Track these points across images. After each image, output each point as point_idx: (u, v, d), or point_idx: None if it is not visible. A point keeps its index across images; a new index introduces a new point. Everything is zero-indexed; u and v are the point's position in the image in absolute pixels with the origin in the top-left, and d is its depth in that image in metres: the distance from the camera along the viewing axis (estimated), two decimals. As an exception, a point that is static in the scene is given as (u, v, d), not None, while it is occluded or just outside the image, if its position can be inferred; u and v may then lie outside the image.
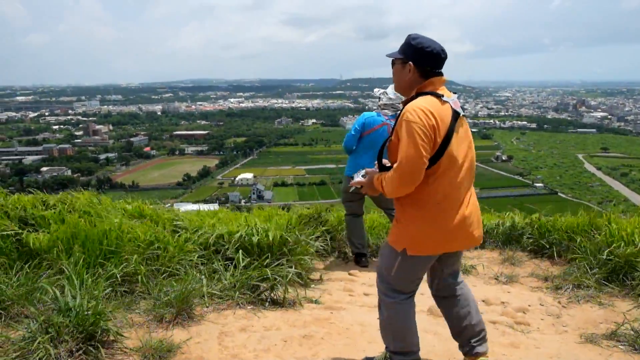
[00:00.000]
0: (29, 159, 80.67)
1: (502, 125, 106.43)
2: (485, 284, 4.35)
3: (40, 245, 3.52)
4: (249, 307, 3.32)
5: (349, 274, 4.57)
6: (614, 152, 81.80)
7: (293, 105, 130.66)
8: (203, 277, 3.45)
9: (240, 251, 3.80)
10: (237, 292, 3.37)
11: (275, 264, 3.64)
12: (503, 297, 4.00)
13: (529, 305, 3.84)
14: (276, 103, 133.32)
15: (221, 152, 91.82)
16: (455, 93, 2.36)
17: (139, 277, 3.29)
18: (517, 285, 4.31)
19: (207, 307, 3.24)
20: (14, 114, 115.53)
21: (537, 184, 66.56)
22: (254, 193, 65.06)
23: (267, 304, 3.42)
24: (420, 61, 2.28)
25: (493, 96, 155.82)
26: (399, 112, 4.46)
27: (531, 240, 5.08)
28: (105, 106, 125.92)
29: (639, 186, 61.32)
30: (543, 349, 2.93)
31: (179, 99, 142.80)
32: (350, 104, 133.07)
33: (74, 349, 2.46)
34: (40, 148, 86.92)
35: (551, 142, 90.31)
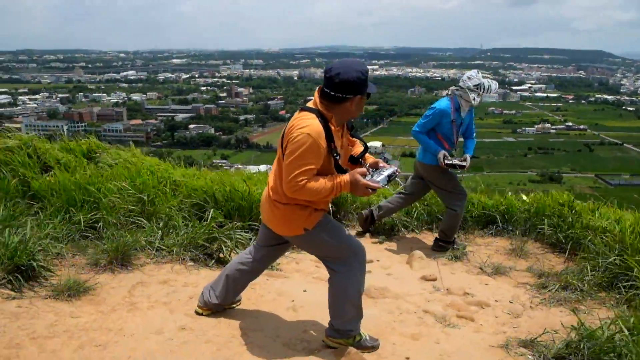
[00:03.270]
0: (180, 117, 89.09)
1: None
2: (467, 272, 4.04)
3: (40, 188, 4.03)
4: (189, 264, 3.50)
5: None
6: None
7: (428, 74, 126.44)
8: (160, 230, 3.69)
9: (212, 211, 3.97)
10: (182, 248, 3.55)
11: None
12: (474, 288, 3.70)
13: (496, 301, 3.51)
14: (410, 72, 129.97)
15: (352, 119, 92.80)
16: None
17: (100, 225, 3.62)
18: (503, 279, 3.94)
19: (151, 258, 3.48)
20: (170, 75, 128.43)
21: None
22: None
23: (213, 263, 3.57)
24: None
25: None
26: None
27: (550, 233, 4.55)
28: (248, 70, 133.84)
29: None
30: (442, 345, 2.71)
31: (315, 64, 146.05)
32: (489, 76, 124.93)
33: (0, 279, 2.85)
34: (189, 107, 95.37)
35: None
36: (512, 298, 3.57)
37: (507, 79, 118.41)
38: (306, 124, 2.23)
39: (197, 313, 2.83)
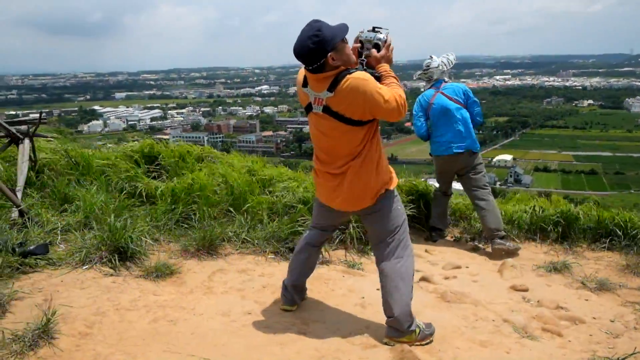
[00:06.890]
0: (307, 128, 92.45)
1: None
2: (565, 286, 3.66)
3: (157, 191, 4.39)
4: (270, 256, 3.62)
5: (425, 251, 4.38)
6: None
7: (567, 83, 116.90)
8: (247, 224, 3.88)
9: (299, 207, 4.07)
10: (265, 241, 3.70)
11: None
12: (570, 303, 3.34)
13: (594, 318, 3.15)
14: (547, 81, 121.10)
15: (480, 132, 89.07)
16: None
17: (196, 216, 3.90)
18: (607, 295, 3.52)
19: (236, 249, 3.67)
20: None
21: None
22: (511, 176, 61.71)
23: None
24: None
25: None
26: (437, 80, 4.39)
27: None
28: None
29: None
30: (512, 355, 2.49)
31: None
32: None
33: (103, 257, 3.21)
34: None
35: None
36: (615, 317, 3.17)
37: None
38: (345, 78, 2.29)
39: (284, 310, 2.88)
